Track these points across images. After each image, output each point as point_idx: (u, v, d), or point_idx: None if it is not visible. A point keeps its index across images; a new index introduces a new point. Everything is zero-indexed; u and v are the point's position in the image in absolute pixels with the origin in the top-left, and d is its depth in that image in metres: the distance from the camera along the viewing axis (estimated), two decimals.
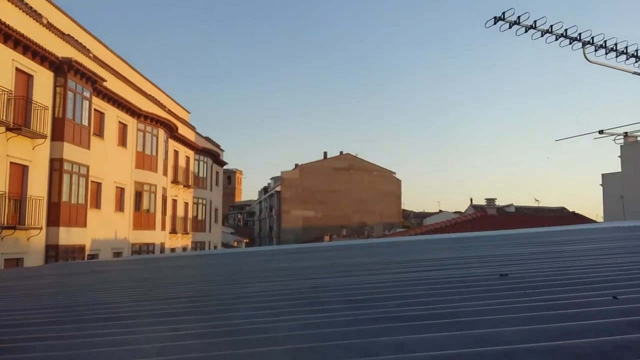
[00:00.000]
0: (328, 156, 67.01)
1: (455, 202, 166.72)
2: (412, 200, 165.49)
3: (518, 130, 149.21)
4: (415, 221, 78.17)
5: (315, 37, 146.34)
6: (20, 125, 18.32)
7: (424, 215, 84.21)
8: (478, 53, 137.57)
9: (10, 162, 18.07)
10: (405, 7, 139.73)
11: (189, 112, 44.62)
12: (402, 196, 66.97)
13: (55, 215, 20.26)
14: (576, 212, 35.40)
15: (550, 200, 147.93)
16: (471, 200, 72.38)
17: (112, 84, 25.50)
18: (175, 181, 34.54)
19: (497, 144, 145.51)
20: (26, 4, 20.74)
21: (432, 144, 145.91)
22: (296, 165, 66.40)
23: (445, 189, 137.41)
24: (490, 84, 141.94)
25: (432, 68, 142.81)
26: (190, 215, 37.96)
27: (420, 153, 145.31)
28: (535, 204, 45.26)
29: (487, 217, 29.23)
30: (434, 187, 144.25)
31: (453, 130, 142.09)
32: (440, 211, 79.83)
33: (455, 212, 69.46)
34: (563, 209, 36.89)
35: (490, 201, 31.96)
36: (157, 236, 29.95)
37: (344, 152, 66.80)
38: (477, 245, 7.32)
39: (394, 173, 67.13)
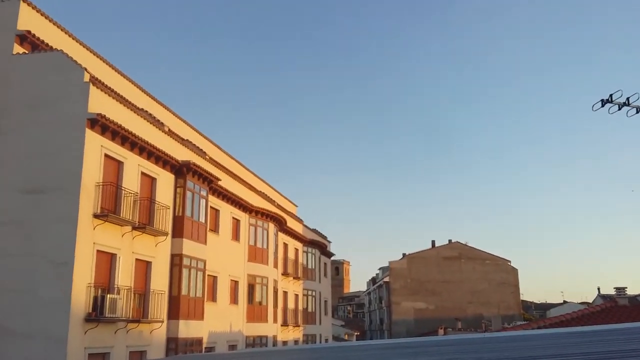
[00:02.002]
0: (436, 245, 65.21)
1: (581, 291, 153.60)
2: (532, 290, 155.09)
3: None
4: (537, 313, 72.76)
5: (420, 133, 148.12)
6: (145, 224, 19.75)
7: (546, 306, 78.26)
8: (588, 136, 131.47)
9: (136, 259, 19.37)
10: (506, 107, 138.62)
11: (297, 206, 45.98)
12: (520, 286, 62.82)
13: (175, 309, 21.14)
14: None
15: None
16: (599, 289, 66.23)
17: (226, 182, 27.06)
18: (285, 273, 35.09)
19: (625, 227, 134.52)
20: (151, 115, 23.06)
21: (549, 229, 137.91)
22: (404, 254, 65.10)
23: (568, 278, 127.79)
24: (608, 166, 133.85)
25: (544, 155, 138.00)
26: (300, 307, 38.02)
27: (537, 240, 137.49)
28: None
29: (618, 307, 26.48)
30: (556, 275, 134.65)
31: (571, 213, 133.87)
32: (565, 302, 73.76)
33: (582, 303, 63.86)
34: None
35: (621, 290, 29.13)
36: (270, 329, 30.14)
37: (452, 241, 64.74)
38: (612, 340, 6.56)
39: (509, 261, 63.58)
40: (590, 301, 66.63)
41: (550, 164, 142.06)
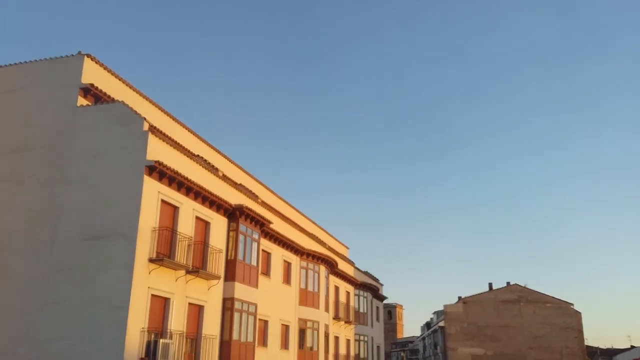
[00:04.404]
0: (494, 287, 63.01)
1: None
2: (597, 334, 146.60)
3: None
4: (603, 359, 68.83)
5: (476, 176, 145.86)
6: (199, 268, 20.01)
7: (612, 351, 74.17)
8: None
9: (189, 303, 19.57)
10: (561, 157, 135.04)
11: (348, 248, 45.66)
12: (584, 330, 59.59)
13: (226, 354, 21.07)
14: None
15: None
16: None
17: (278, 225, 27.23)
18: (336, 317, 34.57)
19: None
20: (206, 160, 23.67)
21: (612, 269, 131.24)
22: (459, 298, 63.13)
23: (635, 321, 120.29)
24: None
25: (603, 191, 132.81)
26: (352, 353, 37.22)
27: (600, 280, 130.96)
28: None
29: None
30: (622, 318, 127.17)
31: (635, 250, 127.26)
32: (632, 347, 69.82)
33: None
34: None
35: None
36: None
37: (511, 283, 62.43)
38: None
39: (572, 304, 60.61)
40: None
41: (608, 200, 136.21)
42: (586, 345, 61.82)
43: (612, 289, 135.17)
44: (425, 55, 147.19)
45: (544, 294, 60.93)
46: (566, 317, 59.37)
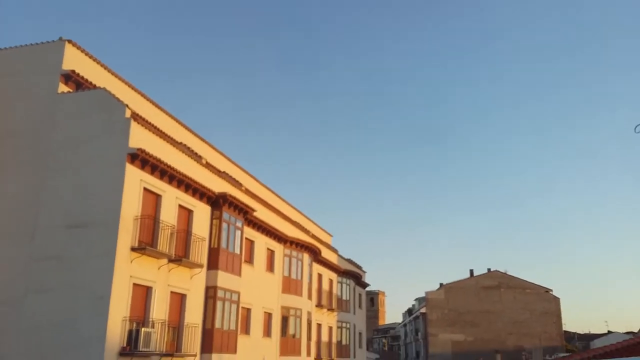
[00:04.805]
0: (475, 274, 63.85)
1: (627, 321, 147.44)
2: (575, 320, 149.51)
3: None
4: (580, 344, 70.32)
5: (458, 162, 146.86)
6: (181, 257, 19.94)
7: (590, 337, 75.79)
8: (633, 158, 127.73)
9: (171, 292, 19.54)
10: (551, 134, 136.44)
11: (331, 235, 45.83)
12: (562, 316, 60.82)
13: (208, 342, 21.12)
14: None
15: None
16: None
17: (261, 213, 27.21)
18: (319, 305, 34.79)
19: None
20: (189, 148, 23.52)
21: (590, 256, 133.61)
22: (441, 284, 63.91)
23: (612, 306, 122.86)
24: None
25: (583, 181, 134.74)
26: (334, 340, 37.54)
27: (578, 267, 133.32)
28: None
29: None
30: (599, 304, 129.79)
31: (613, 239, 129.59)
32: (609, 332, 71.30)
33: (627, 333, 61.41)
34: None
35: None
36: None
37: (491, 269, 63.30)
38: None
39: (551, 290, 61.73)
40: (636, 330, 64.04)
41: (588, 190, 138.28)
42: (564, 331, 63.12)
43: (590, 276, 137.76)
44: (400, 47, 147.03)
45: (524, 280, 61.94)
46: (545, 303, 60.50)
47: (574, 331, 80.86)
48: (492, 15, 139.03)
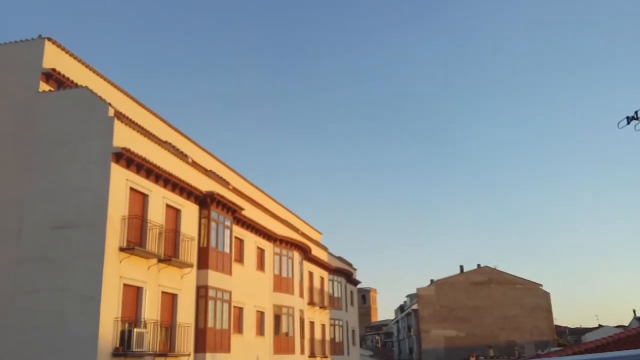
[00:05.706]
0: (465, 270, 64.02)
1: (617, 314, 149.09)
2: (565, 314, 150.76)
3: None
4: (571, 338, 70.74)
5: (445, 157, 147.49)
6: (170, 257, 19.67)
7: (580, 331, 76.24)
8: (617, 154, 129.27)
9: (162, 292, 19.24)
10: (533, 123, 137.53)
11: (321, 233, 45.67)
12: (553, 310, 61.13)
13: (201, 342, 20.85)
14: None
15: None
16: (634, 312, 64.12)
17: (250, 211, 26.97)
18: (311, 302, 34.60)
19: None
20: (175, 147, 23.21)
21: (581, 251, 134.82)
22: (432, 281, 64.00)
23: (603, 301, 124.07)
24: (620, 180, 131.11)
25: (572, 176, 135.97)
26: (327, 337, 37.35)
27: (569, 262, 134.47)
28: None
29: None
30: (590, 299, 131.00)
31: (603, 234, 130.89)
32: (600, 326, 71.75)
33: (618, 327, 61.90)
34: None
35: None
36: None
37: (481, 265, 63.51)
38: None
39: (541, 285, 62.01)
40: (626, 324, 64.55)
41: (579, 186, 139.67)
42: (555, 325, 63.43)
43: (580, 270, 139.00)
44: (391, 40, 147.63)
45: (514, 275, 62.20)
46: (535, 298, 60.76)
47: (565, 325, 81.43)
48: (492, 15, 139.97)
